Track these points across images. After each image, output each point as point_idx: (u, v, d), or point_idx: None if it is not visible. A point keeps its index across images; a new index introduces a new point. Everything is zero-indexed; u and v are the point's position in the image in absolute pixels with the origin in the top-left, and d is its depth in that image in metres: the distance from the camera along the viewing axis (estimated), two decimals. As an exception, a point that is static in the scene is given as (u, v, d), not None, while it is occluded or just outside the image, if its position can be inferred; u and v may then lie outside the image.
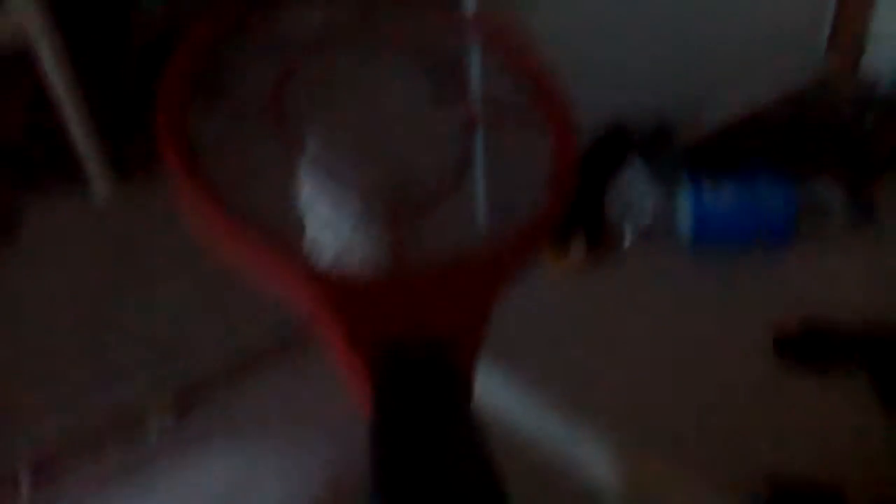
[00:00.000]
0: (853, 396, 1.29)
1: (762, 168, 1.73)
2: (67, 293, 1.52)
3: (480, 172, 0.76)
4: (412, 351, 0.49)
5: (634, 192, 1.62)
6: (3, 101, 1.81)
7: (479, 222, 0.70)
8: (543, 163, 0.67)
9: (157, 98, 0.59)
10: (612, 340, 1.41)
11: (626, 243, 1.62)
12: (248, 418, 1.28)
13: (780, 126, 1.98)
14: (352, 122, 0.72)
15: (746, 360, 1.37)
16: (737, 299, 1.49)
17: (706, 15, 1.78)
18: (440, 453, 0.44)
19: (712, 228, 1.58)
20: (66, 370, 1.37)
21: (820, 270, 1.55)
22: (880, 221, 1.64)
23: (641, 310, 1.49)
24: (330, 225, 0.62)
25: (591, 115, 1.71)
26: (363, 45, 0.68)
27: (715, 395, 1.29)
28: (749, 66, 1.93)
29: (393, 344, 0.49)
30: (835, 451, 1.21)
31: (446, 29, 0.71)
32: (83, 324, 1.45)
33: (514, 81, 0.69)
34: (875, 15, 2.07)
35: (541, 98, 0.67)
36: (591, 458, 1.17)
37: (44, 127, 1.72)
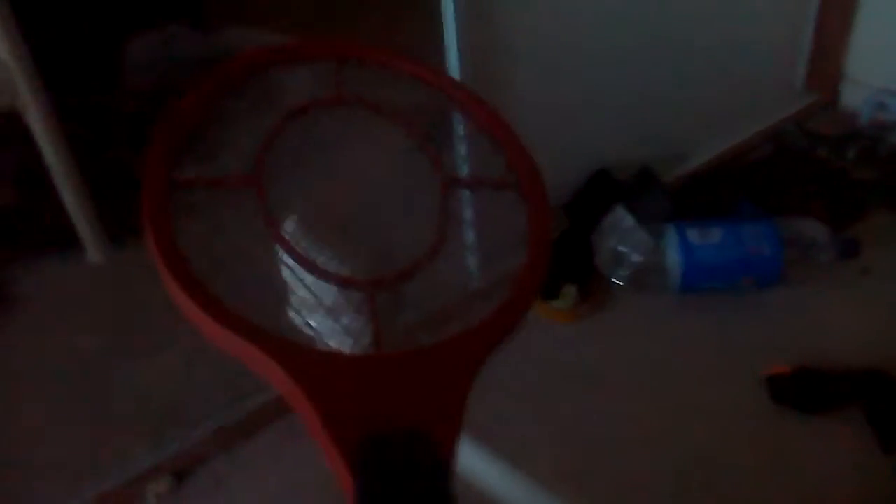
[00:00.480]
0: (849, 437, 1.30)
1: (746, 208, 1.76)
2: (62, 357, 1.52)
3: (466, 235, 0.77)
4: (392, 442, 0.50)
5: (622, 237, 1.64)
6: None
7: (456, 291, 0.71)
8: (518, 228, 0.69)
9: (141, 188, 0.60)
10: (603, 389, 1.42)
11: (616, 289, 1.64)
12: (245, 484, 1.28)
13: (761, 165, 2.02)
14: (332, 194, 0.73)
15: (740, 403, 1.38)
16: (728, 341, 1.51)
17: (688, 60, 1.82)
18: None
19: (700, 271, 1.59)
20: (63, 435, 1.36)
21: (809, 308, 1.57)
22: (865, 256, 1.66)
23: (631, 356, 1.50)
24: (310, 312, 0.62)
25: (578, 163, 1.75)
26: (346, 109, 0.69)
27: (710, 438, 1.30)
28: (729, 107, 1.97)
29: (372, 436, 0.49)
30: (833, 494, 1.21)
31: (429, 93, 0.72)
32: (79, 388, 1.45)
33: (492, 145, 0.71)
34: (850, 52, 2.12)
35: (513, 162, 0.68)
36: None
37: (35, 192, 1.73)
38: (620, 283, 1.64)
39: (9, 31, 1.54)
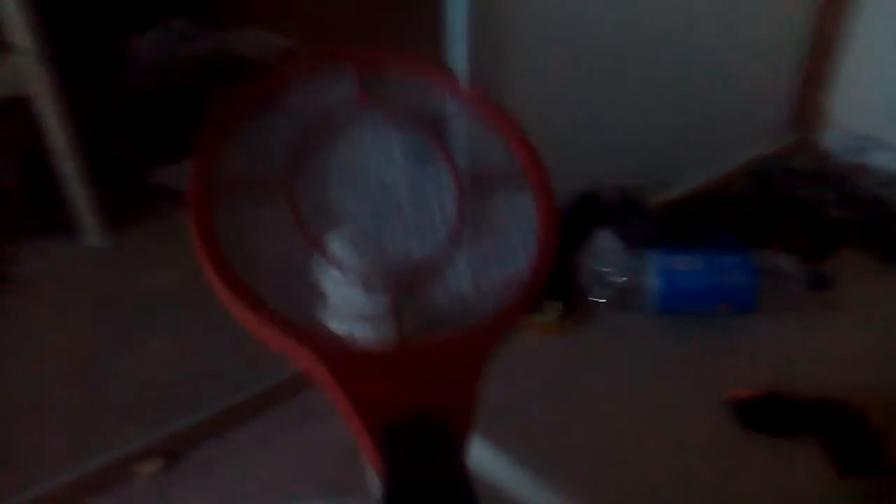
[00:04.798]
0: (809, 460, 1.37)
1: (725, 238, 1.84)
2: (59, 339, 1.56)
3: (474, 240, 0.81)
4: (415, 428, 0.55)
5: (605, 258, 1.70)
6: (-1, 148, 1.85)
7: (472, 289, 0.75)
8: (528, 226, 0.73)
9: (187, 196, 0.63)
10: (581, 400, 1.48)
11: (598, 307, 1.70)
12: (234, 469, 1.33)
13: (742, 197, 2.09)
14: (354, 197, 0.77)
15: (708, 422, 1.44)
16: (701, 362, 1.57)
17: (678, 94, 1.89)
18: None
19: (678, 295, 1.66)
20: (56, 415, 1.40)
21: (779, 337, 1.65)
22: (836, 291, 1.73)
23: (610, 372, 1.56)
24: (339, 308, 0.67)
25: (565, 185, 1.81)
26: (366, 116, 0.72)
27: (676, 455, 1.36)
28: (715, 140, 2.05)
29: (397, 422, 0.55)
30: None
31: (442, 97, 0.75)
32: (74, 370, 1.48)
33: (503, 147, 0.75)
34: (834, 97, 2.21)
35: (523, 163, 0.72)
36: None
37: (40, 176, 1.77)
38: (602, 302, 1.70)
39: (29, 22, 1.59)
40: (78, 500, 1.27)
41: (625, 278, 1.68)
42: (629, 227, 1.77)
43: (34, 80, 1.64)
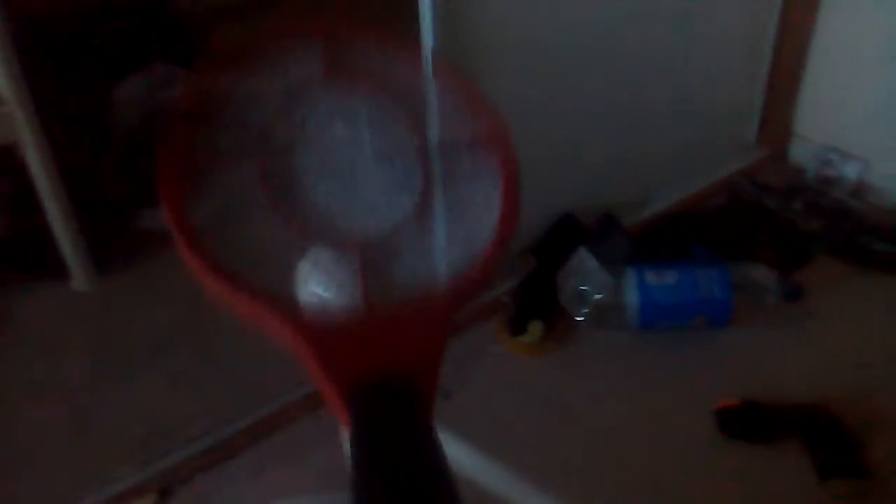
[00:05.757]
0: (790, 465, 1.40)
1: (700, 253, 1.88)
2: (51, 380, 1.58)
3: (439, 207, 0.84)
4: (383, 386, 0.58)
5: (584, 277, 1.75)
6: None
7: (437, 256, 0.77)
8: (493, 194, 0.76)
9: (157, 172, 0.66)
10: (564, 415, 1.52)
11: (579, 325, 1.74)
12: (228, 500, 1.35)
13: (715, 213, 2.14)
14: (323, 171, 0.79)
15: (691, 433, 1.48)
16: (681, 375, 1.61)
17: (648, 114, 1.95)
18: (410, 472, 0.54)
19: (656, 310, 1.70)
20: (50, 454, 1.42)
21: (756, 347, 1.69)
22: (809, 300, 1.78)
23: (591, 387, 1.60)
24: (309, 275, 0.69)
25: (545, 208, 1.87)
26: (332, 91, 0.72)
27: (662, 465, 1.40)
28: (686, 158, 2.10)
29: (366, 380, 0.57)
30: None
31: (409, 70, 0.76)
32: (66, 412, 1.51)
33: (469, 116, 0.75)
34: (798, 111, 2.27)
35: (488, 131, 0.73)
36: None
37: (26, 220, 1.80)
38: (583, 320, 1.74)
39: (12, 71, 1.63)
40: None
41: (603, 295, 1.72)
42: (607, 245, 1.81)
43: (19, 129, 1.67)
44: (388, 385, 0.58)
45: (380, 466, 0.54)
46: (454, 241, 0.75)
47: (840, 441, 1.44)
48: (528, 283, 1.80)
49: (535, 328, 1.69)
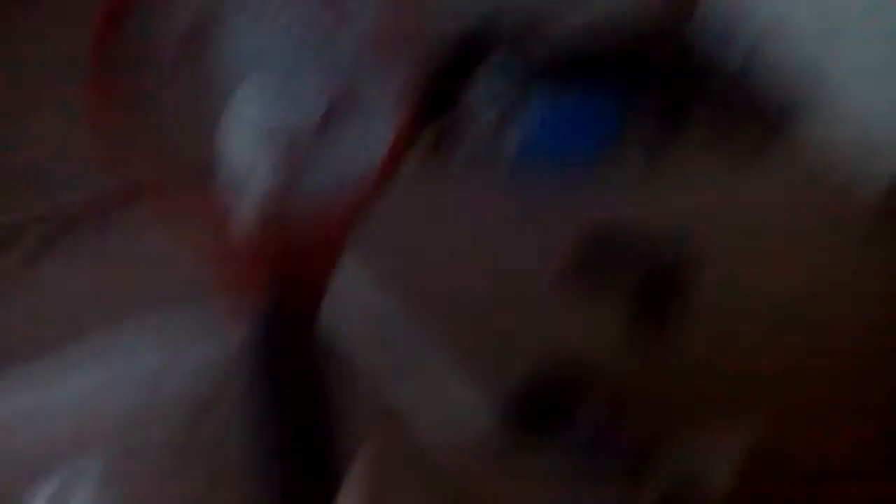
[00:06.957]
0: (619, 307, 1.55)
1: (591, 87, 1.86)
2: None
3: (346, 116, 0.90)
4: (284, 293, 0.66)
5: (480, 100, 1.79)
6: None
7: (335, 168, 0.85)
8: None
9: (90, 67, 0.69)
10: (433, 242, 1.59)
11: (464, 151, 1.80)
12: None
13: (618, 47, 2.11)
14: (250, 63, 0.83)
15: (535, 273, 1.58)
16: (540, 214, 1.69)
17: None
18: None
19: (535, 144, 1.77)
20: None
21: (618, 194, 1.75)
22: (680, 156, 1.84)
23: (461, 216, 1.67)
24: (234, 165, 0.76)
25: (454, 19, 1.81)
26: None
27: (505, 300, 1.53)
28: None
29: (273, 284, 0.66)
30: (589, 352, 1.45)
31: None
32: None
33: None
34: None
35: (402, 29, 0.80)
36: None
37: None
38: (469, 147, 1.78)
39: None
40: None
41: (494, 123, 1.78)
42: (516, 64, 1.81)
43: None
44: (280, 307, 0.66)
45: (269, 377, 0.64)
46: (355, 153, 0.82)
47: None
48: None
49: (421, 146, 1.74)
